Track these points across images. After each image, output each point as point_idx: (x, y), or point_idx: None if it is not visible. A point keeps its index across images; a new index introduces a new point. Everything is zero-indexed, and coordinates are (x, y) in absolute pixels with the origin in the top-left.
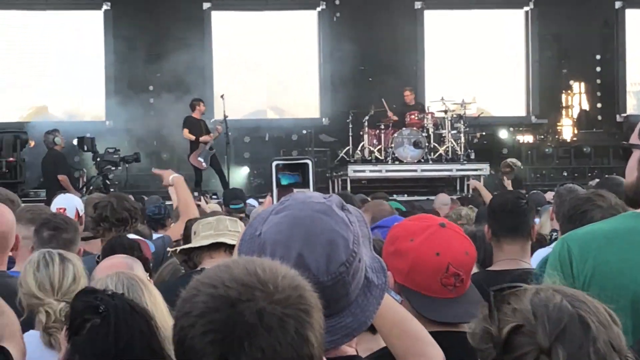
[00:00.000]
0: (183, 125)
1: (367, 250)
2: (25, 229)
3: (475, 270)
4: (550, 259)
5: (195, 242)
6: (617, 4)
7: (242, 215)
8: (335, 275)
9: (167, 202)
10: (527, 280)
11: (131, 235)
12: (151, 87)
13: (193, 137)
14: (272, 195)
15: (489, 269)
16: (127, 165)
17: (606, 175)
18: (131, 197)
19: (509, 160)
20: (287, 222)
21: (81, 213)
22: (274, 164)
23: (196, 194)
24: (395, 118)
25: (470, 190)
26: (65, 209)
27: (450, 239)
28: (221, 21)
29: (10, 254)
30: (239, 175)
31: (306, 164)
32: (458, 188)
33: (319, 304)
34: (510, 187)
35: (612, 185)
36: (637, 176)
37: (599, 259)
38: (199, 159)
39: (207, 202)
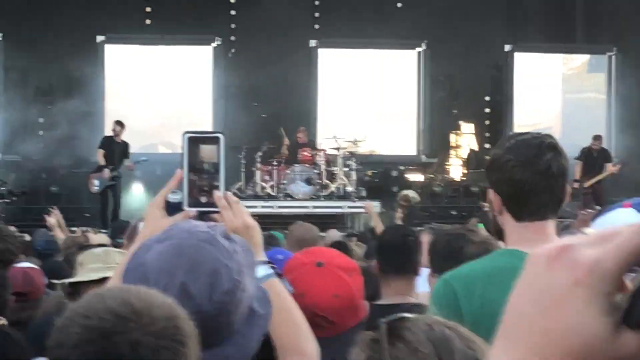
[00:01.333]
0: (99, 145)
1: (251, 280)
2: None
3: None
4: (433, 299)
5: (83, 276)
6: (507, 47)
7: None
8: (219, 305)
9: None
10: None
11: (26, 264)
12: (41, 120)
13: (102, 162)
14: (182, 167)
15: (377, 302)
16: (14, 198)
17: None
18: (12, 228)
19: (408, 193)
20: (171, 250)
21: None
22: (186, 136)
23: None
24: (287, 154)
25: (362, 226)
26: None
27: (321, 280)
28: (116, 54)
29: None
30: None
31: (218, 138)
32: (349, 225)
33: (195, 334)
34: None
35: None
36: (493, 212)
37: (485, 298)
38: (95, 181)
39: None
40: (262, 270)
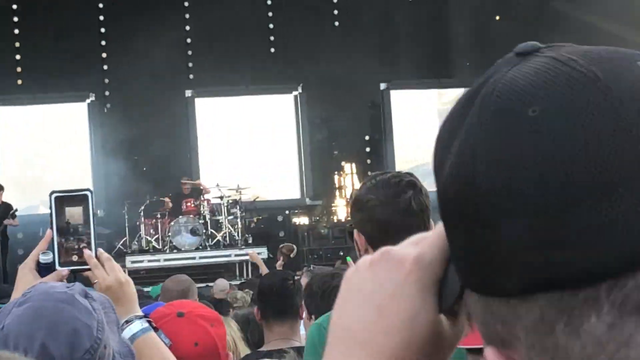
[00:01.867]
0: None
1: (114, 336)
2: None
3: (247, 351)
4: (308, 344)
5: None
6: (382, 86)
7: None
8: None
9: None
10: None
11: None
12: None
13: None
14: (52, 229)
15: (260, 349)
16: None
17: None
18: None
19: (289, 245)
20: (29, 313)
21: None
22: (53, 196)
23: None
24: (171, 205)
25: (251, 274)
26: None
27: (181, 330)
28: None
29: None
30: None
31: (86, 195)
32: (237, 273)
33: None
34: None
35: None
36: (359, 252)
37: None
38: None
39: None
40: (138, 325)
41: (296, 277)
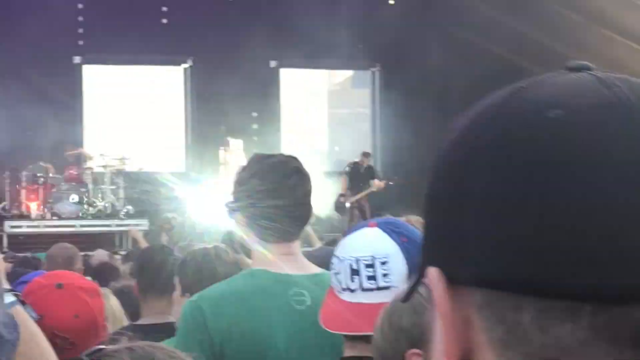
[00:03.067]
0: None
1: None
2: None
3: (125, 324)
4: (181, 321)
5: None
6: (272, 63)
7: None
8: None
9: None
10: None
11: None
12: None
13: None
14: None
15: (136, 322)
16: None
17: None
18: None
19: (169, 215)
20: None
21: None
22: None
23: None
24: (56, 174)
25: (130, 244)
26: None
27: (60, 302)
28: None
29: None
30: None
31: None
32: (117, 244)
33: None
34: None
35: None
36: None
37: (234, 317)
38: None
39: None
40: (5, 299)
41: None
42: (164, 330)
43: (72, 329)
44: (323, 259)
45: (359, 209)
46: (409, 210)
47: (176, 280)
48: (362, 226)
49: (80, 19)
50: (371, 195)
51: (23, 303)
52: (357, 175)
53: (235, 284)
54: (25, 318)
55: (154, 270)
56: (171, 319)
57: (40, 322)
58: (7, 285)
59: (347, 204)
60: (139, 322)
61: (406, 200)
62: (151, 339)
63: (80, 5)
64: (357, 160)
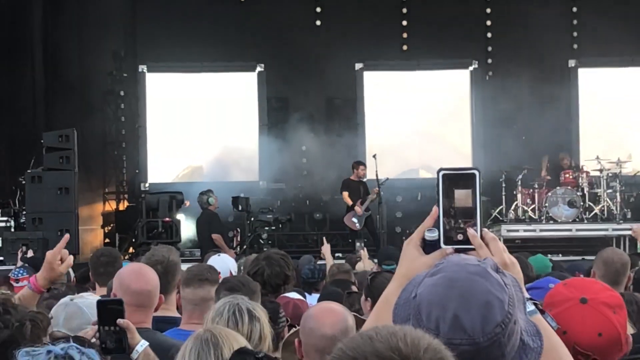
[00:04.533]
0: (341, 189)
1: (521, 314)
2: (182, 290)
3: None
4: None
5: None
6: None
7: None
8: (491, 336)
9: (320, 262)
10: None
11: (292, 294)
12: (304, 147)
13: (350, 202)
14: (438, 205)
15: None
16: (280, 225)
17: None
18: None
19: None
20: (442, 283)
21: (234, 274)
22: (441, 173)
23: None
24: (549, 177)
25: (628, 249)
26: (219, 272)
27: (584, 318)
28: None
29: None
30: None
31: (473, 174)
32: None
33: None
34: None
35: None
36: None
37: None
38: (353, 219)
39: (366, 254)
40: (527, 307)
41: None
42: None
43: (595, 347)
44: None
45: None
46: None
47: None
48: None
49: (575, 22)
50: None
51: (542, 312)
52: None
53: None
54: (545, 327)
55: None
56: None
57: (562, 336)
58: (526, 294)
59: None
60: None
61: None
62: None
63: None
64: None
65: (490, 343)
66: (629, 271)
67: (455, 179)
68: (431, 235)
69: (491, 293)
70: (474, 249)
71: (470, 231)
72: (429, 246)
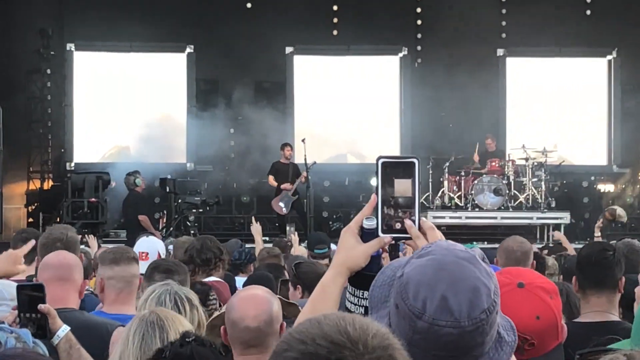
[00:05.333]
0: (269, 172)
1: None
2: (109, 270)
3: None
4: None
5: None
6: None
7: (327, 260)
8: (476, 322)
9: (248, 245)
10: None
11: (213, 278)
12: (232, 130)
13: (275, 184)
14: (377, 193)
15: (575, 320)
16: (207, 207)
17: None
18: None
19: (616, 210)
20: (432, 265)
21: (163, 256)
22: (380, 161)
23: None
24: (478, 162)
25: (551, 240)
26: (147, 253)
27: (522, 301)
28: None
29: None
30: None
31: (412, 163)
32: (538, 236)
33: None
34: (598, 236)
35: None
36: None
37: None
38: (280, 204)
39: (297, 239)
40: None
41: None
42: (606, 331)
43: (533, 331)
44: None
45: None
46: None
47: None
48: None
49: (504, 11)
50: None
51: None
52: None
53: None
54: None
55: (594, 266)
56: (613, 317)
57: None
58: None
59: None
60: (578, 319)
61: None
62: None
63: None
64: None
65: (474, 328)
66: (531, 259)
67: (394, 167)
68: (369, 224)
69: (479, 279)
70: (411, 239)
71: (407, 222)
72: (366, 234)
